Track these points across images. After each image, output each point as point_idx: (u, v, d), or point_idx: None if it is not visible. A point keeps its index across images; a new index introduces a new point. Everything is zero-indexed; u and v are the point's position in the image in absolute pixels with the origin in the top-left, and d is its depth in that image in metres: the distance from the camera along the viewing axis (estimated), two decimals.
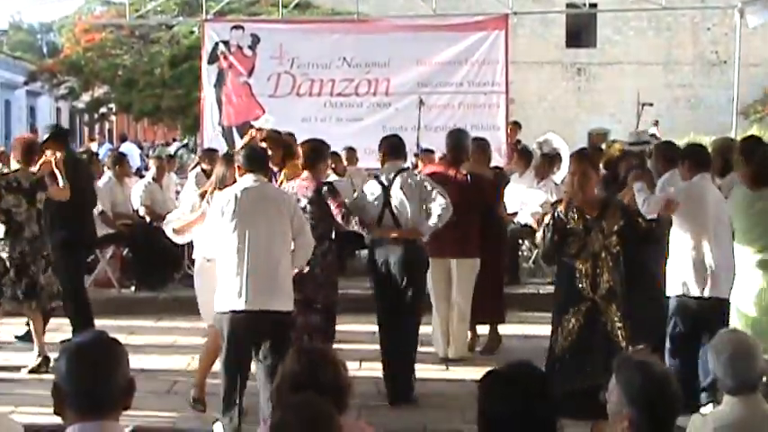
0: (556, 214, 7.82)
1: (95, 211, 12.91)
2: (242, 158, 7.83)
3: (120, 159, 14.71)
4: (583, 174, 7.68)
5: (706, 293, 8.18)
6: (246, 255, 7.43)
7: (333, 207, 8.79)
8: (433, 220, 8.81)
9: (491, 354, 10.44)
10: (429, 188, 8.89)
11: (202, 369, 8.51)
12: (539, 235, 8.97)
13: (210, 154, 13.04)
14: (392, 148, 9.34)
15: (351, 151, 15.53)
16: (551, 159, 14.42)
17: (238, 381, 7.56)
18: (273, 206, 7.68)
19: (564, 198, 7.98)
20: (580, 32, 39.93)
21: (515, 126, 17.73)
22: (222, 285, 7.54)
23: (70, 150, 11.52)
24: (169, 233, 8.82)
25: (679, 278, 8.24)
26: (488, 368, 3.85)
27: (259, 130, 11.16)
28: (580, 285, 7.55)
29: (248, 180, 7.66)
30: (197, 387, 8.46)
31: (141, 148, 33.56)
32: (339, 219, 8.83)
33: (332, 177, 14.14)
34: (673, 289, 8.33)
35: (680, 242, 8.30)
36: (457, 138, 10.51)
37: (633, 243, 8.04)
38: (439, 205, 8.78)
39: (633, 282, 9.23)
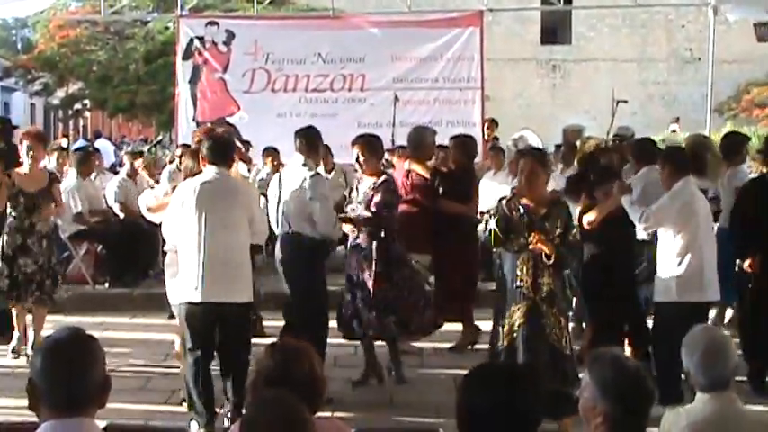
0: (497, 206, 7.79)
1: (71, 212, 12.95)
2: (205, 150, 7.83)
3: (85, 158, 14.60)
4: (531, 172, 7.64)
5: (703, 298, 8.28)
6: (203, 247, 7.56)
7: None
8: None
9: (461, 351, 10.48)
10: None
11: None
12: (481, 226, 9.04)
13: (187, 149, 13.03)
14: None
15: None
16: None
17: (201, 372, 7.70)
18: (231, 198, 7.76)
19: (514, 191, 7.94)
20: (555, 29, 39.98)
21: (492, 123, 17.75)
22: (181, 277, 7.68)
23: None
24: (143, 210, 9.04)
25: (674, 284, 8.32)
26: (460, 364, 3.84)
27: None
28: (521, 284, 7.51)
29: (210, 172, 7.72)
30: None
31: (116, 144, 33.42)
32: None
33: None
34: (666, 295, 8.38)
35: (673, 249, 8.36)
36: (408, 136, 11.07)
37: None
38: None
39: (600, 282, 9.26)
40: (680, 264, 8.30)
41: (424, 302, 9.30)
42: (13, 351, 10.27)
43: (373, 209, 8.96)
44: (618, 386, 4.01)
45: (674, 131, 26.78)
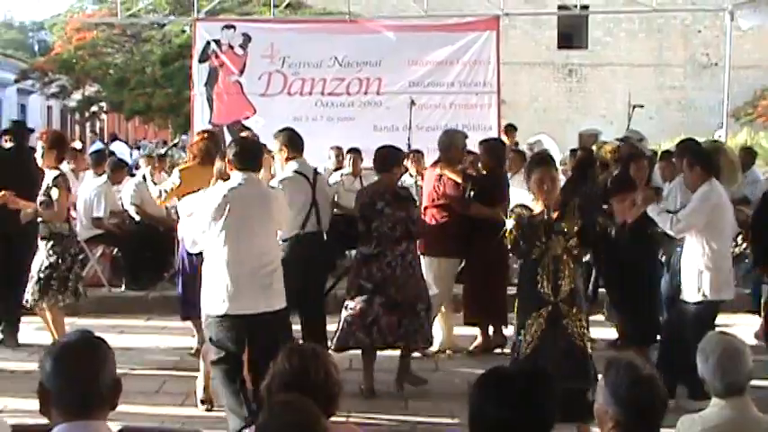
0: (521, 213, 7.75)
1: (87, 217, 13.02)
2: (232, 156, 7.61)
3: (118, 166, 14.68)
4: (552, 179, 7.64)
5: (731, 296, 8.47)
6: (240, 257, 7.37)
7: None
8: None
9: (479, 356, 10.50)
10: None
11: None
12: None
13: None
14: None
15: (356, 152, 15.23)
16: None
17: (234, 381, 7.54)
18: (264, 205, 7.61)
19: (534, 199, 7.90)
20: (572, 34, 39.97)
21: (511, 129, 17.71)
22: (214, 288, 7.44)
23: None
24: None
25: (710, 284, 8.38)
26: (476, 367, 3.84)
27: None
28: (541, 289, 7.50)
29: (237, 178, 7.51)
30: (205, 388, 8.51)
31: (138, 147, 33.55)
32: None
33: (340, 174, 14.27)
34: (700, 295, 8.41)
35: (706, 249, 8.41)
36: (438, 139, 10.95)
37: (588, 245, 8.02)
38: None
39: (625, 283, 9.28)
40: (715, 263, 8.38)
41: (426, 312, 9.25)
42: None
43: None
44: (630, 393, 4.00)
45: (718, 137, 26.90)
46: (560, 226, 7.51)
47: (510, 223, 7.63)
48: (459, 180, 10.52)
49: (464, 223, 10.53)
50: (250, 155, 7.70)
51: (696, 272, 8.46)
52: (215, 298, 7.42)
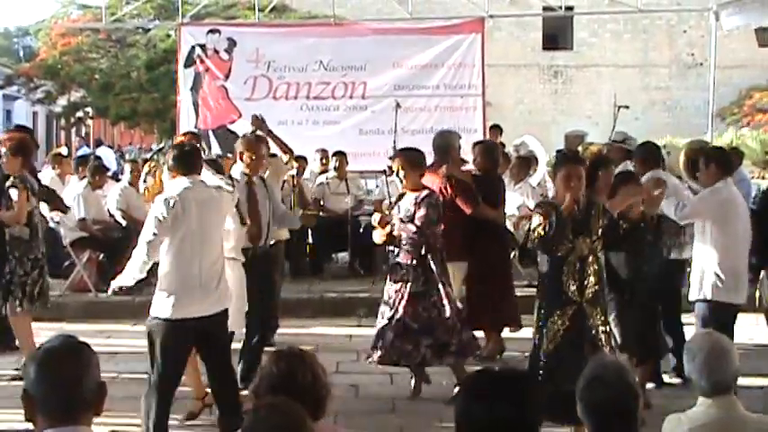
0: (549, 225, 7.65)
1: (70, 219, 12.98)
2: (172, 161, 7.56)
3: (98, 170, 14.64)
4: (578, 176, 7.57)
5: (737, 300, 8.38)
6: (190, 259, 7.33)
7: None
8: None
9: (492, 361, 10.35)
10: None
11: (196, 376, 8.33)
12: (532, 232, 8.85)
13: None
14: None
15: (342, 155, 15.19)
16: (527, 162, 14.42)
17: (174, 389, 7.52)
18: (211, 206, 7.54)
19: (557, 199, 7.84)
20: (557, 35, 40.02)
21: (497, 129, 17.73)
22: (164, 292, 7.37)
23: None
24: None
25: (711, 284, 8.35)
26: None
27: None
28: (567, 289, 7.49)
29: (183, 182, 7.38)
30: (196, 398, 8.41)
31: (121, 153, 33.50)
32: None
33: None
34: (700, 294, 8.41)
35: (711, 247, 8.39)
36: (433, 140, 10.59)
37: (613, 244, 8.02)
38: None
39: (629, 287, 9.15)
40: (722, 264, 8.33)
41: (460, 323, 8.97)
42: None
43: (418, 223, 8.73)
44: (593, 396, 4.10)
45: None
46: (587, 226, 7.50)
47: (536, 220, 7.56)
48: (470, 180, 10.40)
49: (470, 226, 10.23)
50: (190, 158, 7.61)
51: (699, 270, 8.46)
52: (165, 302, 7.33)
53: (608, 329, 7.65)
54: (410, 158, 9.01)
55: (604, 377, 4.20)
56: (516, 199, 13.32)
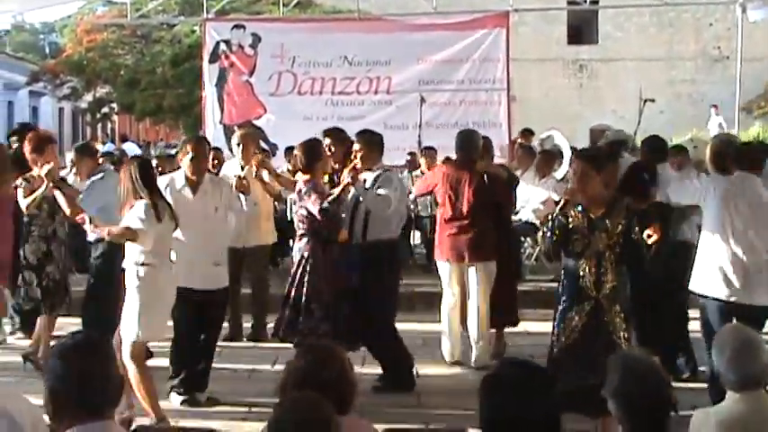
0: (554, 214, 7.74)
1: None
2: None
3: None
4: (583, 173, 7.59)
5: (723, 296, 8.09)
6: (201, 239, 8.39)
7: None
8: None
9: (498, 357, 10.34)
10: None
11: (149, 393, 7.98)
12: (540, 234, 8.88)
13: (215, 153, 12.99)
14: None
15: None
16: (552, 156, 14.39)
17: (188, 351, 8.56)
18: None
19: (564, 197, 7.87)
20: (582, 29, 39.86)
21: (529, 133, 17.51)
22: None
23: None
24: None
25: (706, 278, 8.18)
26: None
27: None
28: (584, 284, 7.49)
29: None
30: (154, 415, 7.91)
31: (147, 146, 33.62)
32: None
33: None
34: (695, 286, 8.31)
35: (715, 242, 8.18)
36: (467, 137, 10.36)
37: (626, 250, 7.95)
38: None
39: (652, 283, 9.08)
40: (706, 255, 8.18)
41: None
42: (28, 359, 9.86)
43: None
44: (627, 389, 4.08)
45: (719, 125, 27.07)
46: (604, 223, 7.48)
47: (547, 228, 7.63)
48: (505, 175, 10.35)
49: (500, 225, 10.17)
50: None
51: (699, 261, 8.32)
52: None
53: (627, 326, 7.60)
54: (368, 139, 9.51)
55: (637, 371, 4.20)
56: (541, 194, 13.28)
